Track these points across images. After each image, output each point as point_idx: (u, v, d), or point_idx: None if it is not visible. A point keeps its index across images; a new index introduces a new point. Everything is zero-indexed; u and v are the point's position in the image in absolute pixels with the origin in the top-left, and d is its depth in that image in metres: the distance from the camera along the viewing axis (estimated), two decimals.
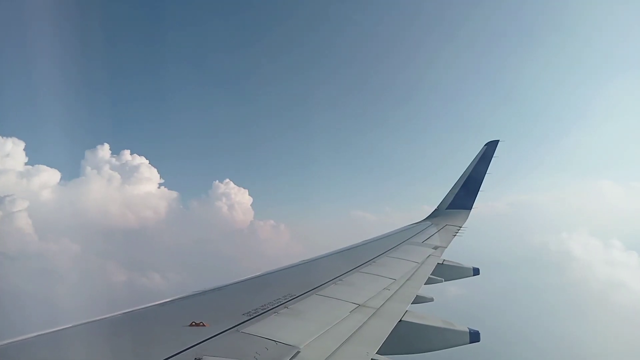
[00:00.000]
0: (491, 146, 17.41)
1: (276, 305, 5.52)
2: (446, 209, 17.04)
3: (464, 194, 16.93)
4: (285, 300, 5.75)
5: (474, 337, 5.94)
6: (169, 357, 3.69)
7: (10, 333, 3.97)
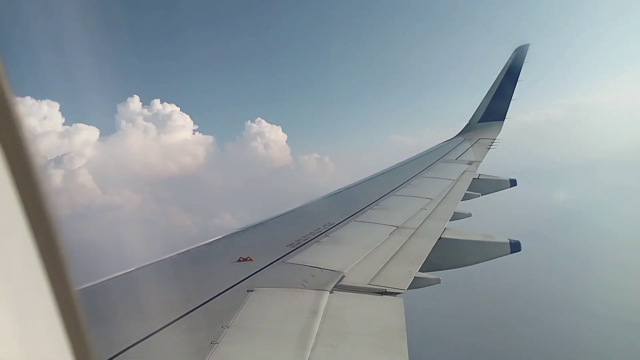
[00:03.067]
0: (521, 52, 16.40)
1: (317, 234, 5.69)
2: (478, 122, 16.46)
3: (495, 105, 16.21)
4: (325, 229, 5.91)
5: (515, 247, 5.98)
6: (224, 291, 3.93)
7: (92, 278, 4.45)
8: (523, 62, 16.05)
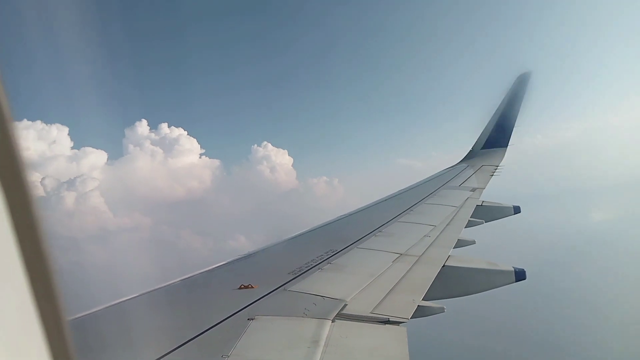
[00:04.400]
0: (523, 78, 16.59)
1: (319, 261, 5.64)
2: (481, 149, 16.52)
3: (498, 131, 16.28)
4: (328, 256, 5.86)
5: (520, 275, 5.91)
6: (225, 319, 3.87)
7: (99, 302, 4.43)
8: (525, 90, 16.21)
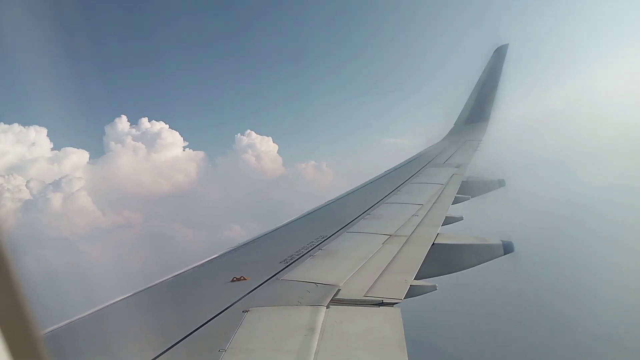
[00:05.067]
0: (500, 52, 16.61)
1: (310, 248, 5.65)
2: (464, 124, 16.59)
3: (479, 106, 16.34)
4: (318, 242, 5.88)
5: (508, 248, 6.00)
6: (219, 313, 3.87)
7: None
8: (503, 62, 16.26)
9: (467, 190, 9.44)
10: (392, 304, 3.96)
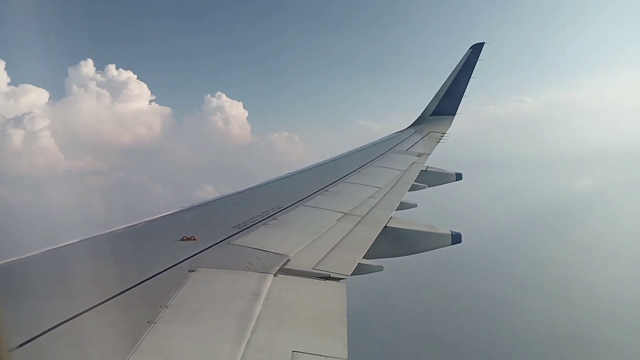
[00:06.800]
0: (476, 49, 16.84)
1: (265, 217, 5.65)
2: (430, 115, 16.86)
3: (448, 99, 16.63)
4: (274, 212, 5.88)
5: (456, 239, 6.20)
6: (164, 270, 3.83)
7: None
8: (477, 60, 16.50)
9: (425, 179, 9.63)
10: (338, 279, 4.04)
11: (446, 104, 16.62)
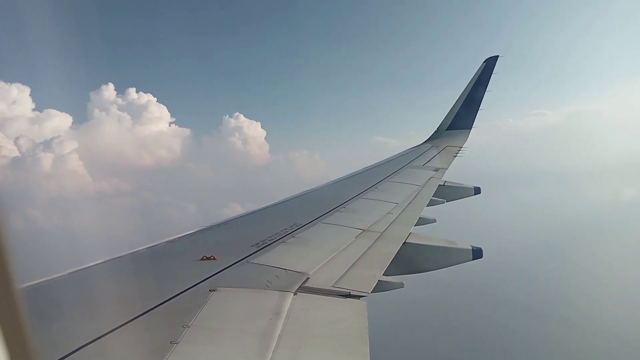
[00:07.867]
0: (490, 63, 16.79)
1: (283, 235, 5.66)
2: (446, 129, 16.80)
3: (464, 113, 16.56)
4: (292, 230, 5.89)
5: (477, 254, 6.11)
6: (185, 290, 3.86)
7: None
8: (492, 73, 16.44)
9: (443, 194, 9.57)
10: (359, 297, 4.01)
11: (462, 118, 16.56)
